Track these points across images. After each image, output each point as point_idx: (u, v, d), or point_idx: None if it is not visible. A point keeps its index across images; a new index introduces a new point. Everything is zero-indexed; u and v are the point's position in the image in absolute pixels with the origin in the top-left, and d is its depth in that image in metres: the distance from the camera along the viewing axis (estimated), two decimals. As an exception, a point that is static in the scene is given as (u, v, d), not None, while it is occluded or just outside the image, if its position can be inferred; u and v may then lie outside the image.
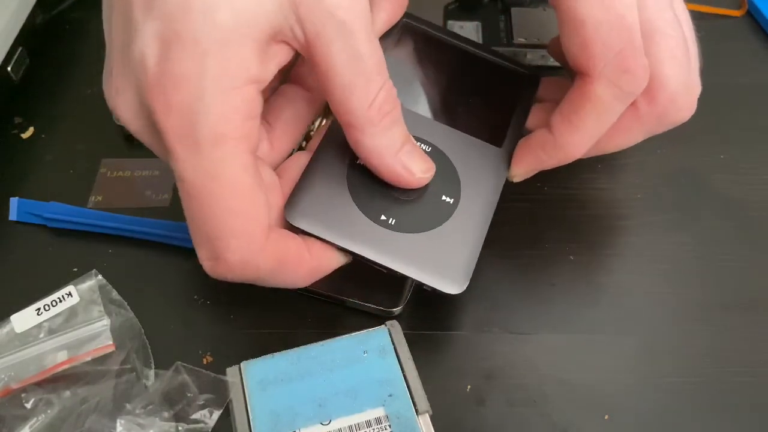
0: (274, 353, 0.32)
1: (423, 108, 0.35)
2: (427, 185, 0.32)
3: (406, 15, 0.36)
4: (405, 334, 0.33)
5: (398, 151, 0.30)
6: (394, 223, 0.31)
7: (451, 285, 0.31)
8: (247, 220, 0.27)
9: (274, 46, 0.27)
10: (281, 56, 0.28)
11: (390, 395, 0.30)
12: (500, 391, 0.32)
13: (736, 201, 0.34)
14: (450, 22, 0.47)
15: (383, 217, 0.31)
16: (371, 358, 0.32)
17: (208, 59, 0.25)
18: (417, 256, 0.31)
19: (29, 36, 0.44)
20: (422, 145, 0.33)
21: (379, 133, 0.29)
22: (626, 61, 0.30)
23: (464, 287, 0.31)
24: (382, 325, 0.33)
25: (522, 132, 0.35)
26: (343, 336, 0.32)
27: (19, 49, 0.43)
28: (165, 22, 0.26)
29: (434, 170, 0.31)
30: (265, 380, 0.31)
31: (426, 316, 0.35)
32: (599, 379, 0.33)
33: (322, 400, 0.30)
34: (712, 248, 0.38)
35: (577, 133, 0.32)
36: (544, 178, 0.35)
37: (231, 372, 0.31)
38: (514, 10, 0.48)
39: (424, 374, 0.31)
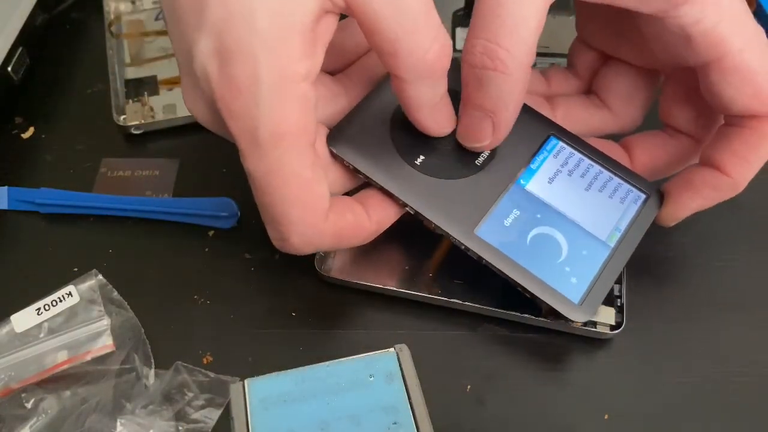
0: (279, 372, 0.31)
1: None
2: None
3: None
4: (405, 334, 0.33)
5: (435, 104, 0.31)
6: (427, 167, 0.33)
7: (462, 233, 0.32)
8: (306, 209, 0.29)
9: (322, 22, 0.28)
10: (329, 29, 0.28)
11: (394, 423, 0.29)
12: (500, 391, 0.32)
13: (736, 201, 0.34)
14: (458, 29, 0.46)
15: (418, 161, 0.32)
16: (377, 383, 0.30)
17: (258, 66, 0.27)
18: (438, 201, 0.32)
19: (29, 36, 0.44)
20: None
21: (421, 85, 0.30)
22: None
23: (474, 240, 0.32)
24: (391, 348, 0.31)
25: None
26: (350, 357, 0.31)
27: (20, 49, 0.43)
28: (214, 35, 0.27)
29: (455, 125, 0.33)
30: (268, 399, 0.30)
31: (426, 315, 0.35)
32: (599, 379, 0.33)
33: (324, 424, 0.29)
34: (712, 248, 0.38)
35: (751, 170, 0.33)
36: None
37: (234, 389, 0.30)
38: None
39: (424, 374, 0.31)
